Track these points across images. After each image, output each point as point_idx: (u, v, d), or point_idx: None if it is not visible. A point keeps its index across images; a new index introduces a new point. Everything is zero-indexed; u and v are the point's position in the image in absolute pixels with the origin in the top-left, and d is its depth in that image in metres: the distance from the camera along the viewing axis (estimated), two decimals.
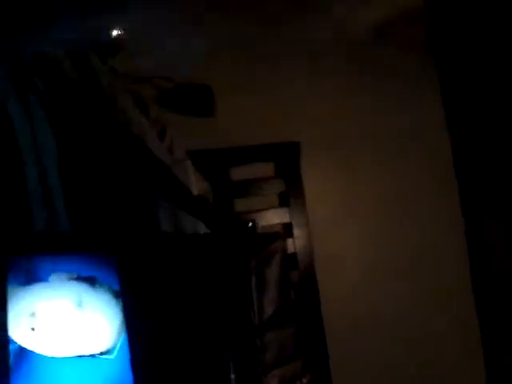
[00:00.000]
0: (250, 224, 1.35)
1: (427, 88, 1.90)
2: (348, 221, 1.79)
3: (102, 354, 0.98)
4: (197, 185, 1.50)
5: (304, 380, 1.32)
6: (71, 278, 0.98)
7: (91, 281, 1.00)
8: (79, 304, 0.95)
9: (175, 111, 1.69)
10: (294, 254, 1.72)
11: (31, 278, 0.99)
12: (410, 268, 1.81)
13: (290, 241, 1.72)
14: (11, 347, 0.94)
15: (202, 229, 1.42)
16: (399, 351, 1.77)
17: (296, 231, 1.74)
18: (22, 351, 0.96)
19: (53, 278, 0.98)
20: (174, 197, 1.44)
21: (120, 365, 1.00)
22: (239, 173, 1.72)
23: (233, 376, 1.18)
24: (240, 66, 1.75)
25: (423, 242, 1.83)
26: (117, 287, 1.03)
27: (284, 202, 1.76)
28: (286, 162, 1.77)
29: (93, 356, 0.99)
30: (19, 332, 0.94)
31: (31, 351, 0.96)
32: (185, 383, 1.10)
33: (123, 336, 1.00)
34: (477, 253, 1.86)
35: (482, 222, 1.86)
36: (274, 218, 1.73)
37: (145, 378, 0.98)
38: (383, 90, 1.85)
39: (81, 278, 0.99)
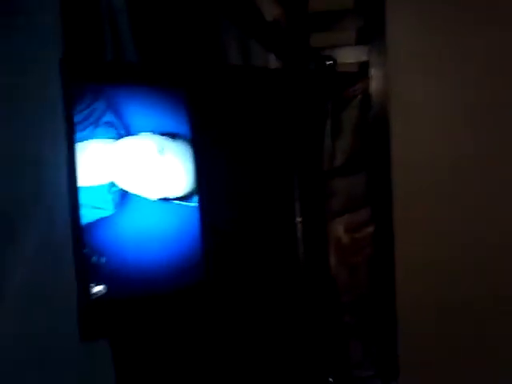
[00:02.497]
0: (329, 62, 1.23)
1: None
2: (430, 69, 1.62)
3: (183, 199, 1.06)
4: (271, 9, 1.36)
5: (369, 229, 1.30)
6: (156, 133, 1.06)
7: (173, 135, 1.09)
8: (161, 151, 1.00)
9: None
10: (369, 95, 1.59)
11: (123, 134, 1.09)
12: (490, 120, 1.66)
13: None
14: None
15: (274, 63, 1.31)
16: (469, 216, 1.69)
17: (373, 71, 1.60)
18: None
19: (141, 133, 1.08)
20: (244, 21, 1.30)
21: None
22: (317, 3, 1.55)
23: (299, 219, 1.15)
24: None
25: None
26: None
27: (362, 39, 1.60)
28: None
29: (177, 201, 1.06)
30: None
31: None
32: (249, 223, 1.08)
33: None
34: None
35: None
36: (350, 55, 1.59)
37: (211, 218, 0.97)
38: None
39: (164, 134, 1.08)
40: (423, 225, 1.70)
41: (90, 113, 0.98)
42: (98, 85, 0.98)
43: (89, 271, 0.96)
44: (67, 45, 0.92)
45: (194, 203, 1.09)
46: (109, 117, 1.04)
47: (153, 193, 1.06)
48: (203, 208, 1.01)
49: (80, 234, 0.94)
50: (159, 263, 1.03)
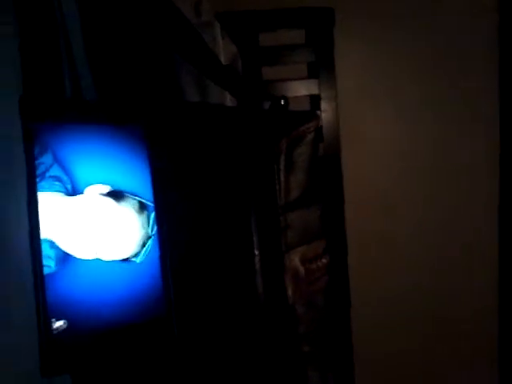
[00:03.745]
0: (282, 101, 1.28)
1: None
2: (379, 99, 1.70)
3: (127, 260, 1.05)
4: (225, 51, 1.40)
5: (324, 260, 1.34)
6: (103, 193, 1.03)
7: (118, 196, 1.04)
8: (106, 213, 0.98)
9: None
10: (320, 128, 1.65)
11: (71, 190, 1.06)
12: (434, 150, 1.75)
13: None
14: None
15: (229, 101, 1.34)
16: (419, 230, 1.77)
17: (324, 104, 1.66)
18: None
19: (88, 191, 1.04)
20: (201, 62, 1.34)
21: (145, 270, 1.06)
22: (269, 39, 1.60)
23: (256, 252, 1.18)
24: None
25: (450, 128, 1.75)
26: (142, 198, 1.07)
27: (313, 73, 1.66)
28: (318, 29, 1.64)
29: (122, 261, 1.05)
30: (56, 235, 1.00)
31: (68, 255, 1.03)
32: (209, 258, 1.10)
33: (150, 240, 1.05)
34: None
35: None
36: (301, 89, 1.65)
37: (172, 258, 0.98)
38: None
39: (111, 192, 1.04)
40: (376, 254, 1.77)
41: (36, 166, 0.94)
42: (58, 123, 0.96)
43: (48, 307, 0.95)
44: (25, 85, 0.92)
45: (138, 260, 1.08)
46: (55, 171, 1.02)
47: (94, 254, 1.03)
48: (165, 251, 1.01)
49: (41, 275, 0.92)
50: (114, 304, 1.02)
